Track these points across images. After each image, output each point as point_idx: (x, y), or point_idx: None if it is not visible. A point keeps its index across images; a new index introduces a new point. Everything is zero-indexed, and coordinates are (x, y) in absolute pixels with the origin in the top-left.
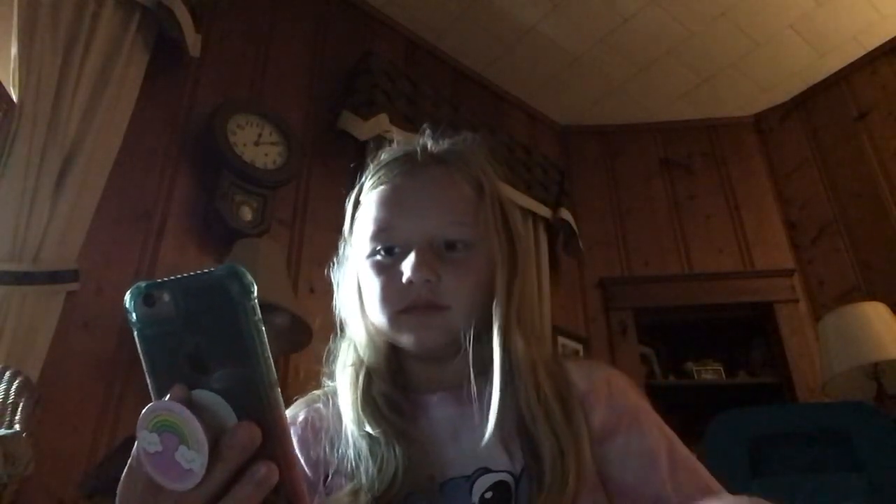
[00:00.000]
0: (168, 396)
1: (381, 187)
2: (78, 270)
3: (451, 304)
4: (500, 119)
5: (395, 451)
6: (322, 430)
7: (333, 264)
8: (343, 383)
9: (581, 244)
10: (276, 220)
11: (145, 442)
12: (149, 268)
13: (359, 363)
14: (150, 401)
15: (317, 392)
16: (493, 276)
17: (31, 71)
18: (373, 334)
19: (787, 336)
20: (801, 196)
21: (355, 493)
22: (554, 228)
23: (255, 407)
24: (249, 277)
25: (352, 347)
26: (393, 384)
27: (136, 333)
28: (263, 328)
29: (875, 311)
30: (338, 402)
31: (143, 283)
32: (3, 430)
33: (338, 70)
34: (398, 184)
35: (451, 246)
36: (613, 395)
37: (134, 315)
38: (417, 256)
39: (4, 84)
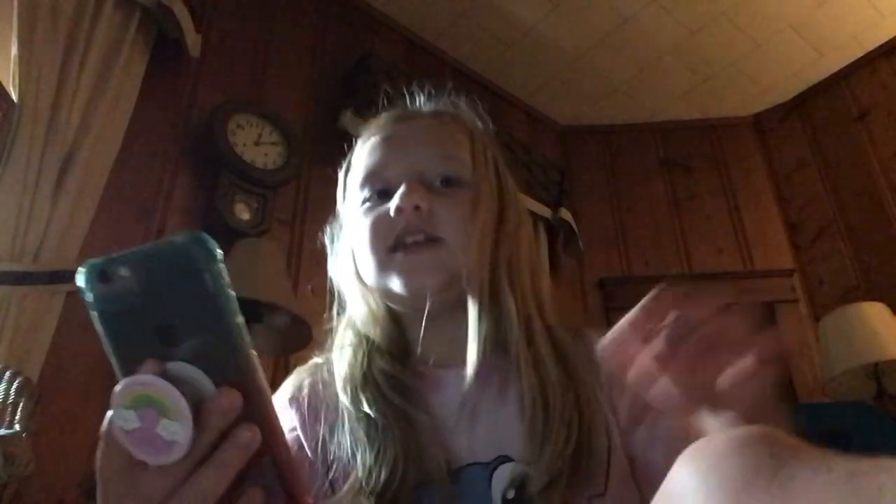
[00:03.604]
0: (141, 371)
1: (372, 138)
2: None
3: (444, 237)
4: (499, 119)
5: (393, 435)
6: (321, 410)
7: (327, 232)
8: (340, 364)
9: (581, 244)
10: (276, 220)
11: (121, 420)
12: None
13: (357, 343)
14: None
15: (319, 361)
16: (487, 224)
17: (31, 71)
18: (370, 302)
19: (787, 336)
20: (801, 196)
21: (356, 492)
22: (554, 228)
23: (232, 373)
24: (213, 242)
25: (350, 327)
26: (397, 361)
27: (94, 314)
28: (233, 293)
29: (875, 311)
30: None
31: (97, 259)
32: (3, 430)
33: (338, 70)
34: (389, 130)
35: (445, 181)
36: None
37: (90, 294)
38: (407, 186)
39: (4, 84)
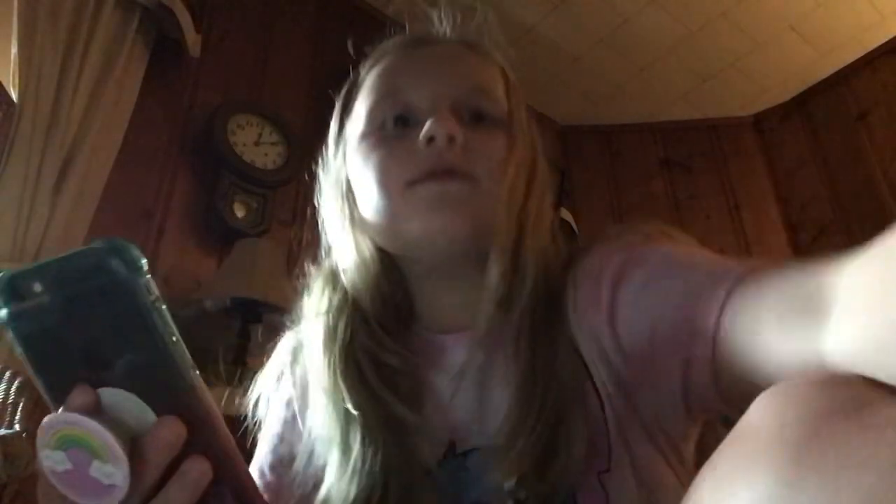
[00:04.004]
0: (67, 405)
1: (386, 59)
2: None
3: (480, 177)
4: None
5: (374, 439)
6: (298, 407)
7: (322, 164)
8: (314, 338)
9: (581, 244)
10: (276, 220)
11: (50, 461)
12: (149, 268)
13: (339, 307)
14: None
15: (294, 341)
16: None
17: (31, 71)
18: (364, 250)
19: None
20: (801, 196)
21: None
22: (554, 228)
23: (173, 397)
24: (136, 251)
25: (329, 284)
26: (388, 328)
27: (12, 333)
28: (164, 306)
29: None
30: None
31: (7, 273)
32: (3, 430)
33: (338, 70)
34: (409, 53)
35: (477, 116)
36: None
37: (3, 311)
38: (441, 112)
39: (4, 84)
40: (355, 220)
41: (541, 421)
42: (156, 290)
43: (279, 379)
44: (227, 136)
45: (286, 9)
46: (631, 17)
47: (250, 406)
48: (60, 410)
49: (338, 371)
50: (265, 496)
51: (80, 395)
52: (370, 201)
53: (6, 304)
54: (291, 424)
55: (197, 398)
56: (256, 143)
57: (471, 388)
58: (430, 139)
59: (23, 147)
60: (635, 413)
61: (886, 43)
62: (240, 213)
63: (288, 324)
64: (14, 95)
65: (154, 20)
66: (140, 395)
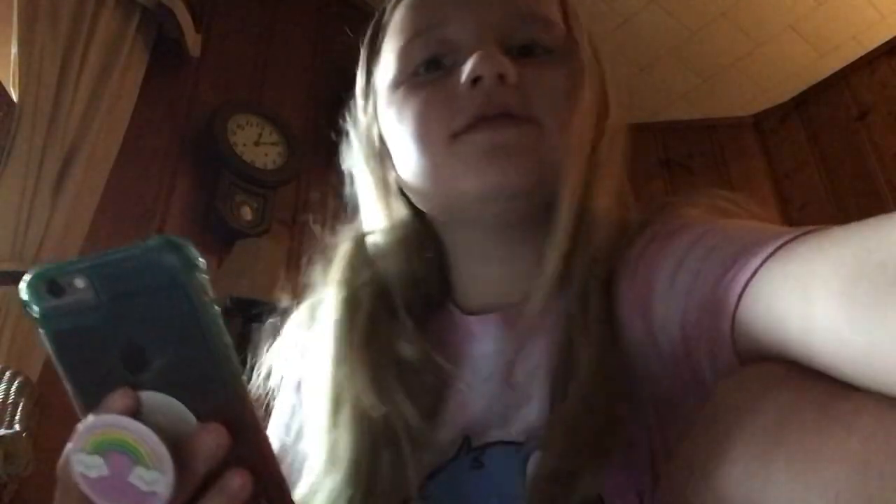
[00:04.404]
0: (108, 405)
1: None
2: None
3: (541, 118)
4: None
5: (371, 455)
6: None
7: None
8: (328, 310)
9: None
10: (276, 220)
11: (83, 467)
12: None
13: (363, 283)
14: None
15: (303, 315)
16: (590, 109)
17: (31, 71)
18: (398, 218)
19: None
20: (801, 196)
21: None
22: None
23: (216, 404)
24: (193, 248)
25: (355, 256)
26: (418, 306)
27: (43, 331)
28: (217, 309)
29: None
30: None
31: (45, 268)
32: (3, 430)
33: (338, 70)
34: None
35: (526, 49)
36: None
37: (37, 309)
38: (483, 48)
39: (4, 84)
40: (389, 185)
41: (581, 423)
42: (211, 291)
43: (288, 355)
44: (227, 136)
45: (286, 9)
46: (631, 17)
47: (258, 381)
48: (98, 413)
49: (350, 356)
50: None
51: (120, 398)
52: (409, 160)
53: (39, 301)
54: (297, 411)
55: (242, 406)
56: (256, 143)
57: (496, 378)
58: (476, 79)
59: (23, 147)
60: (679, 425)
61: (886, 43)
62: (240, 213)
63: (293, 308)
64: (14, 95)
65: (154, 20)
66: (181, 399)
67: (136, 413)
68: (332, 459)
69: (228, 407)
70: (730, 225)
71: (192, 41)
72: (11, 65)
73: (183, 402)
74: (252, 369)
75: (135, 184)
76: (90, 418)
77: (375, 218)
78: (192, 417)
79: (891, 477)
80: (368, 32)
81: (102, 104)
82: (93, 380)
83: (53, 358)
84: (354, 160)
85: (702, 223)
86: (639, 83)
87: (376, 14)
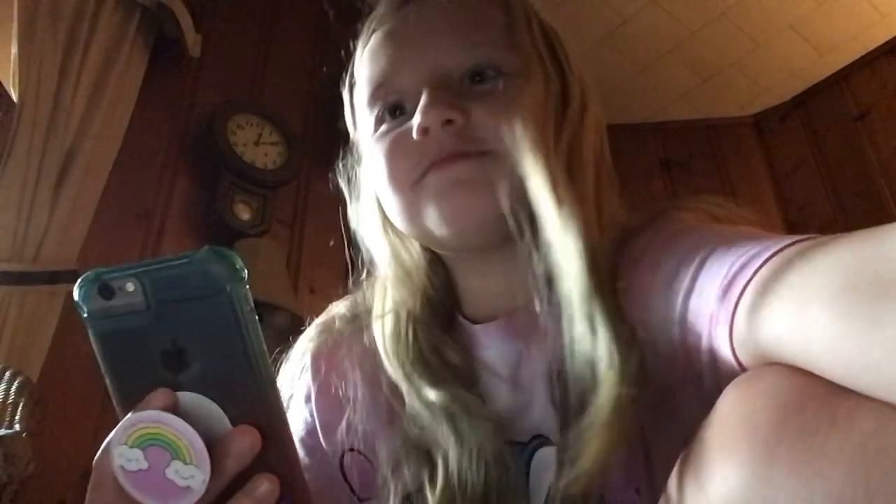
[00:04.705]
0: (151, 404)
1: (374, 36)
2: (78, 270)
3: (491, 148)
4: None
5: (466, 424)
6: (346, 397)
7: (341, 171)
8: (385, 337)
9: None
10: (276, 220)
11: (123, 460)
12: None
13: (396, 311)
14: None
15: (339, 324)
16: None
17: (31, 71)
18: (405, 257)
19: None
20: (801, 196)
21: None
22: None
23: (250, 409)
24: (239, 260)
25: (381, 294)
26: (441, 321)
27: (90, 331)
28: (256, 317)
29: None
30: (370, 354)
31: (98, 271)
32: (3, 430)
33: (338, 70)
34: (393, 21)
35: (477, 77)
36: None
37: (85, 309)
38: (429, 94)
39: (4, 84)
40: (389, 224)
41: (584, 423)
42: (251, 301)
43: (300, 376)
44: (227, 136)
45: (286, 9)
46: (631, 17)
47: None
48: (139, 410)
49: (413, 373)
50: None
51: (161, 397)
52: (386, 204)
53: (89, 302)
54: (310, 424)
55: (274, 413)
56: (256, 143)
57: (502, 382)
58: (424, 130)
59: (23, 147)
60: (673, 423)
61: (886, 43)
62: (240, 213)
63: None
64: (14, 95)
65: (154, 20)
66: (217, 402)
67: (174, 412)
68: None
69: (261, 412)
70: (726, 231)
71: (192, 41)
72: (11, 65)
73: (219, 405)
74: None
75: (135, 184)
76: (132, 415)
77: (384, 259)
78: (226, 420)
79: (891, 475)
80: (347, 77)
81: (102, 104)
82: (134, 380)
83: (98, 357)
84: (360, 209)
85: (698, 228)
86: (639, 83)
87: (352, 59)
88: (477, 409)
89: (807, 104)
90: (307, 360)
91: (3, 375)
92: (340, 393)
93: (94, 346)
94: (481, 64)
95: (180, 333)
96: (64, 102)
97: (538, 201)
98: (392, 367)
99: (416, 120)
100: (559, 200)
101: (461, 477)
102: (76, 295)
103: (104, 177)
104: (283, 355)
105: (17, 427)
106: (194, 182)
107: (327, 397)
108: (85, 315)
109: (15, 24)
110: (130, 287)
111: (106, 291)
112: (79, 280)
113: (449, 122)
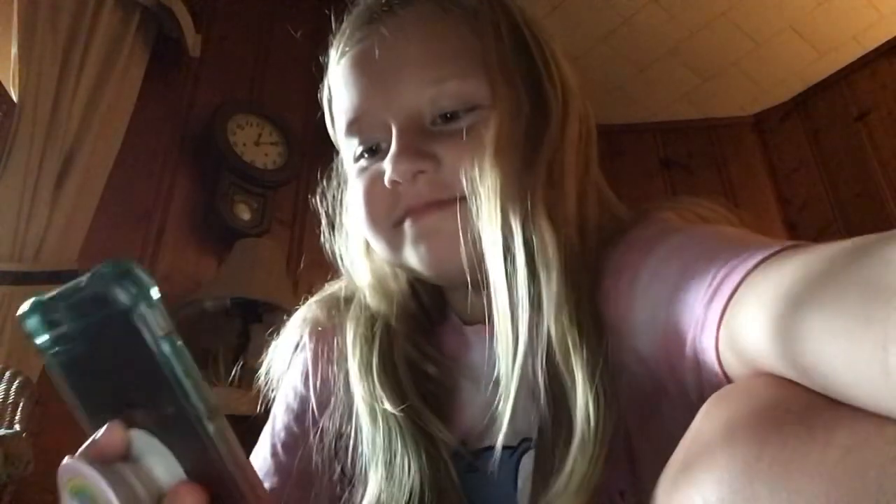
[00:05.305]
0: (92, 443)
1: (343, 60)
2: (78, 270)
3: (466, 194)
4: None
5: (415, 443)
6: (332, 393)
7: (319, 193)
8: (355, 341)
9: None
10: (276, 220)
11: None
12: (149, 268)
13: (369, 321)
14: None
15: (334, 304)
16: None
17: (31, 71)
18: (388, 284)
19: None
20: (801, 196)
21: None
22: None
23: (193, 447)
24: (142, 276)
25: (357, 308)
26: (422, 329)
27: (46, 359)
28: (179, 342)
29: None
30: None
31: (37, 300)
32: (3, 430)
33: None
34: (361, 49)
35: (449, 116)
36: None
37: (40, 338)
38: (398, 143)
39: (4, 84)
40: (371, 254)
41: (569, 425)
42: (168, 323)
43: (295, 350)
44: (227, 136)
45: (286, 9)
46: (631, 17)
47: (263, 375)
48: (78, 453)
49: (377, 381)
50: (275, 478)
51: (107, 435)
52: (369, 237)
53: (35, 334)
54: (303, 407)
55: (215, 449)
56: (256, 143)
57: (487, 385)
58: (395, 183)
59: (23, 147)
60: (658, 427)
61: (886, 43)
62: (240, 213)
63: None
64: (14, 95)
65: (154, 20)
66: (166, 440)
67: (119, 452)
68: (387, 459)
69: (203, 451)
70: (710, 233)
71: (192, 41)
72: (11, 65)
73: (167, 443)
74: (253, 370)
75: (135, 184)
76: (66, 460)
77: (363, 277)
78: (177, 465)
79: (871, 489)
80: (325, 90)
81: (102, 104)
82: (95, 407)
83: (61, 388)
84: (344, 232)
85: (682, 230)
86: (639, 83)
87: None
88: (428, 425)
89: (807, 104)
90: (304, 338)
91: (3, 375)
92: (332, 374)
93: (55, 378)
94: (449, 102)
95: (114, 364)
96: (64, 102)
97: (492, 255)
98: (353, 368)
99: (387, 171)
100: (525, 241)
101: (389, 488)
102: (27, 324)
103: (104, 177)
104: (276, 332)
105: (17, 427)
106: (194, 182)
107: (322, 377)
108: (38, 343)
109: (15, 25)
110: (59, 315)
111: (47, 320)
112: (25, 307)
113: (420, 172)
